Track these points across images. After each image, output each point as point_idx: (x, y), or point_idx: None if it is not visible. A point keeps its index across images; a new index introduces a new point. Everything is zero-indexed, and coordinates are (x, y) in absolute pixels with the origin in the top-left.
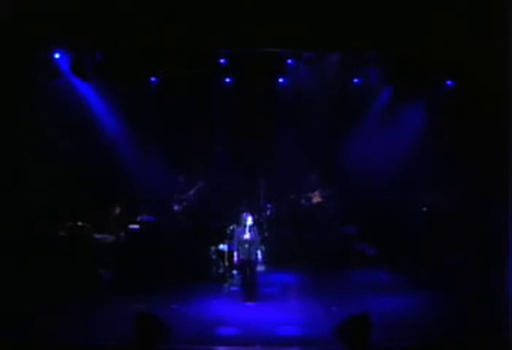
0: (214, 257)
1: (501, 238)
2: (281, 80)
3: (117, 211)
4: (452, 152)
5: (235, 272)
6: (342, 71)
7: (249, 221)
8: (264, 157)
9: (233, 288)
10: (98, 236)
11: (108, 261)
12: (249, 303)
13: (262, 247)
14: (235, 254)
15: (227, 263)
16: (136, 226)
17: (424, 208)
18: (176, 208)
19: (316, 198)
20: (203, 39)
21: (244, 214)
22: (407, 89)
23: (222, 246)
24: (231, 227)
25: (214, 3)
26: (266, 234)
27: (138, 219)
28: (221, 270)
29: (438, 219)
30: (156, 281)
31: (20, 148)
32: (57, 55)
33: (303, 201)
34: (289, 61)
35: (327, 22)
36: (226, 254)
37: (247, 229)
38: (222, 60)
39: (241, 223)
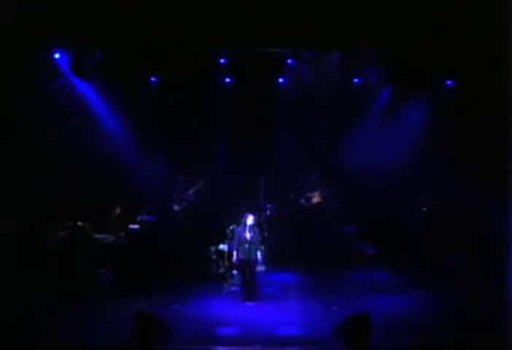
0: (214, 257)
1: (501, 238)
2: (281, 80)
3: (117, 211)
4: (452, 152)
5: (235, 272)
6: (342, 71)
7: (250, 220)
8: (264, 157)
9: (233, 288)
10: (98, 236)
11: (108, 261)
12: (249, 303)
13: (262, 247)
14: (234, 253)
15: (227, 263)
16: (136, 226)
17: (424, 208)
18: (176, 208)
19: (316, 198)
20: (203, 39)
21: (245, 214)
22: (407, 89)
23: (222, 246)
24: (231, 227)
25: (214, 3)
26: (266, 234)
27: (138, 219)
28: (221, 270)
29: (438, 219)
30: (156, 281)
31: (20, 148)
32: (57, 55)
33: (302, 201)
34: (289, 61)
35: (327, 22)
36: (226, 254)
37: (247, 229)
38: (222, 60)
39: (241, 223)
